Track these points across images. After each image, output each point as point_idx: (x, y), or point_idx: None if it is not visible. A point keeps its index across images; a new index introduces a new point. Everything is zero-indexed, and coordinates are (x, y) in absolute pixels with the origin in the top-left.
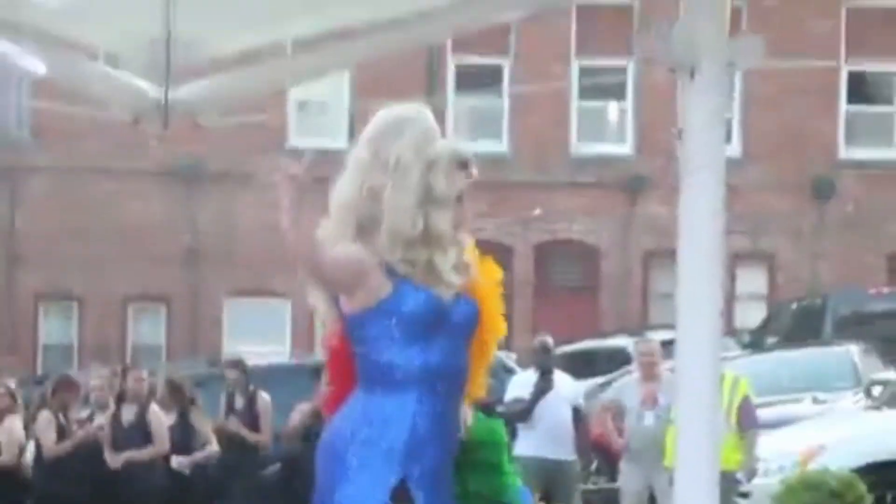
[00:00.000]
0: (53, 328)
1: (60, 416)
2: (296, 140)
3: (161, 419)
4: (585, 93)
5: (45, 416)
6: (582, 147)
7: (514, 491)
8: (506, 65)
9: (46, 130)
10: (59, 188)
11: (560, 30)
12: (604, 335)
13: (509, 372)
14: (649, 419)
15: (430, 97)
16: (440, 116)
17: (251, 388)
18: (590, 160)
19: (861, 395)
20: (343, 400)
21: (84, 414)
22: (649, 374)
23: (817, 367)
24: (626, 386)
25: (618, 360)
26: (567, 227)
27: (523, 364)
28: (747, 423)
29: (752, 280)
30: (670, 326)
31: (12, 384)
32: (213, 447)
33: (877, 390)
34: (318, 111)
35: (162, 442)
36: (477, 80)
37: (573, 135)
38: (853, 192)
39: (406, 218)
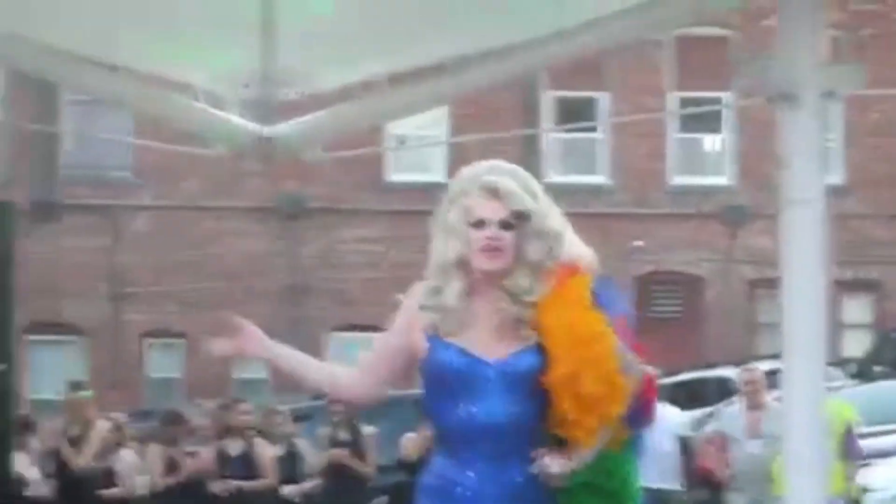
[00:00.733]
0: (159, 363)
1: (170, 449)
2: (394, 175)
3: (266, 452)
4: (683, 124)
5: (154, 450)
6: (680, 178)
7: None
8: (603, 97)
9: (148, 169)
10: (162, 226)
11: (657, 61)
12: (708, 366)
13: None
14: (754, 448)
15: (527, 130)
16: (537, 149)
17: (355, 419)
18: (689, 191)
19: None
20: None
21: (191, 448)
22: (753, 402)
23: None
24: (731, 415)
25: (723, 390)
26: (668, 257)
27: None
28: (850, 451)
29: (858, 309)
30: (775, 356)
31: (122, 418)
32: (320, 478)
33: None
34: (417, 145)
35: (269, 474)
36: (574, 112)
37: (671, 166)
38: None
39: (433, 255)
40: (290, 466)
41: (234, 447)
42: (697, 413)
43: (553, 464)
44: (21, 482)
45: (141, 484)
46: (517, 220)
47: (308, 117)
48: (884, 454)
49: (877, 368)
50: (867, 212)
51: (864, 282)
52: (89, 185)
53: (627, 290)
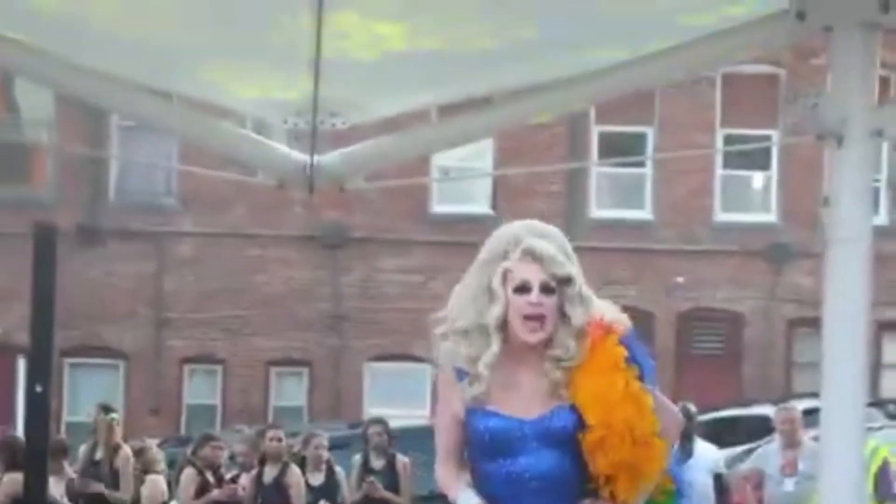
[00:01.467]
0: (198, 390)
1: (206, 473)
2: (437, 206)
3: (299, 480)
4: (730, 161)
5: (188, 473)
6: (726, 215)
7: None
8: (650, 132)
9: (193, 196)
10: (205, 253)
11: (705, 98)
12: (746, 403)
13: None
14: (789, 486)
15: (572, 164)
16: (582, 183)
17: (390, 448)
18: (733, 228)
19: None
20: None
21: (229, 475)
22: (790, 440)
23: None
24: (767, 453)
25: (761, 428)
26: (710, 294)
27: None
28: (883, 490)
29: None
30: (814, 395)
31: (154, 444)
32: None
33: None
34: (461, 176)
35: (297, 502)
36: (620, 147)
37: (717, 203)
38: None
39: (465, 313)
40: (332, 494)
41: (269, 473)
42: (735, 450)
43: None
44: None
45: None
46: (558, 285)
47: (353, 147)
48: None
49: None
50: None
51: None
52: (135, 210)
53: (669, 326)
